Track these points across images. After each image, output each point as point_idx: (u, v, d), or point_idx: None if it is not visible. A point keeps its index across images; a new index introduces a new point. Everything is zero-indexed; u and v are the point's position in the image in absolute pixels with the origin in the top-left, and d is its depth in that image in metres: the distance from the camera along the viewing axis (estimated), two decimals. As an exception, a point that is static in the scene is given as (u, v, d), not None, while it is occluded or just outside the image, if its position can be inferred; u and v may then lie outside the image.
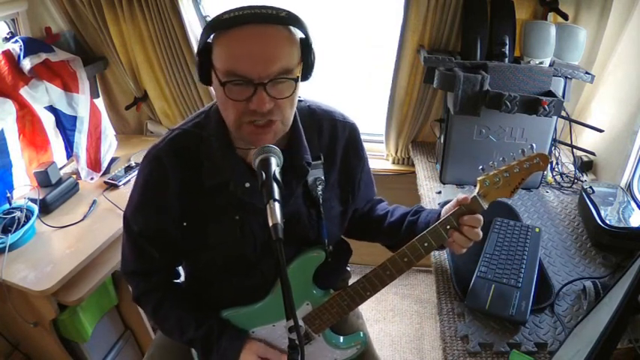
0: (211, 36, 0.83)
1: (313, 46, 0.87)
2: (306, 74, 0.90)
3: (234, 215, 0.98)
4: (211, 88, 0.92)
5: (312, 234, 1.04)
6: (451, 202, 1.01)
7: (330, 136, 1.04)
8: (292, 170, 0.96)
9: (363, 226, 1.21)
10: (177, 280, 1.16)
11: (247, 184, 0.95)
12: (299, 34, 0.85)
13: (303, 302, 1.06)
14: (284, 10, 0.81)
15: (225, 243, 1.00)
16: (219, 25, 0.80)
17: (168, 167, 0.95)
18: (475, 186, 0.99)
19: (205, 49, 0.84)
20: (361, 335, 1.17)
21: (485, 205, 0.97)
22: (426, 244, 0.97)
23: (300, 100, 1.00)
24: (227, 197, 0.96)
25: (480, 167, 1.00)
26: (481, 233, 0.97)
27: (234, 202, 0.96)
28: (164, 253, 1.04)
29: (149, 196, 0.98)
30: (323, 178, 1.02)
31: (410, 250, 0.97)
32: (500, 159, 0.99)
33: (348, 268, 1.31)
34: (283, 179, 0.80)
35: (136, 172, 1.67)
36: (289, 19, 0.81)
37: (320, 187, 1.01)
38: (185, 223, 0.99)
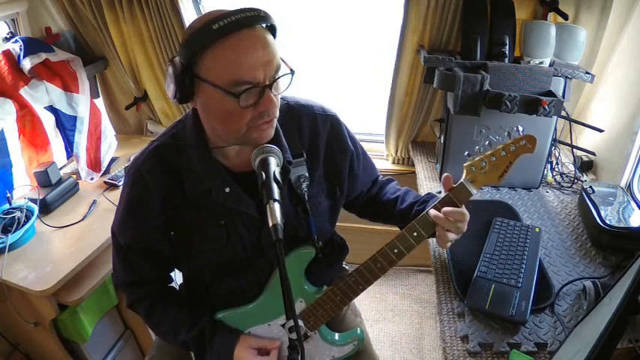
0: (199, 49, 0.79)
1: (276, 32, 0.88)
2: None
3: (220, 220, 0.98)
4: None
5: (301, 231, 1.04)
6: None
7: (311, 131, 1.04)
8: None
9: (374, 208, 1.21)
10: (172, 284, 1.17)
11: (227, 189, 0.95)
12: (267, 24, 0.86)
13: (297, 299, 1.06)
14: (261, 10, 0.82)
15: (213, 249, 1.00)
16: (210, 37, 0.77)
17: (149, 181, 0.96)
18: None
19: (188, 63, 0.81)
20: (357, 332, 1.17)
21: (474, 191, 0.96)
22: (415, 234, 0.97)
23: None
24: (210, 204, 0.96)
25: (466, 153, 0.99)
26: (454, 236, 0.96)
27: (217, 209, 0.96)
28: (153, 264, 1.05)
29: (133, 210, 0.99)
30: (307, 174, 1.02)
31: (400, 241, 0.97)
32: (487, 143, 0.98)
33: (346, 267, 1.31)
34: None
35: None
36: (267, 17, 0.83)
37: (305, 185, 1.01)
38: (172, 233, 0.99)
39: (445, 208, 0.95)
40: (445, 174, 0.98)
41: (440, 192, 1.67)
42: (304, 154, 1.02)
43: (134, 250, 1.02)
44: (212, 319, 1.07)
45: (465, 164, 0.98)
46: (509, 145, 0.96)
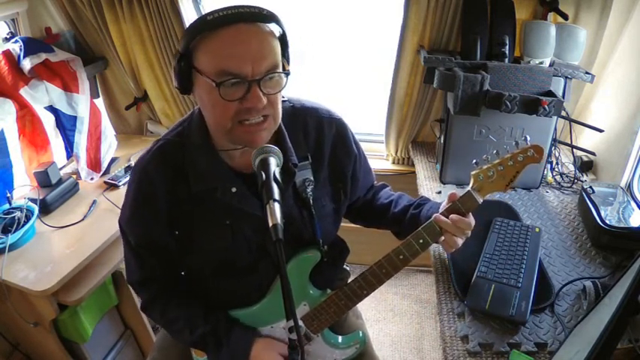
0: (194, 40, 0.82)
1: (289, 41, 0.89)
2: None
3: (225, 220, 0.98)
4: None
5: (306, 234, 1.04)
6: (446, 199, 1.01)
7: (317, 134, 1.04)
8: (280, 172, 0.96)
9: (368, 213, 1.21)
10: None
11: (234, 189, 0.95)
12: (277, 31, 0.86)
13: (301, 303, 1.06)
14: (264, 9, 0.82)
15: (217, 248, 1.00)
16: (204, 27, 0.80)
17: (155, 179, 0.96)
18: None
19: (186, 54, 0.83)
20: (360, 335, 1.17)
21: (480, 200, 0.97)
22: (421, 241, 0.97)
23: (283, 100, 1.00)
24: (215, 203, 0.96)
25: (474, 161, 0.99)
26: (460, 241, 0.97)
27: (223, 208, 0.96)
28: (162, 261, 1.05)
29: (139, 208, 0.99)
30: (312, 178, 1.02)
31: (405, 248, 0.97)
32: (494, 152, 0.98)
33: (347, 268, 1.31)
34: None
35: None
36: (270, 17, 0.83)
37: (309, 188, 1.01)
38: (177, 232, 0.99)
39: (453, 216, 0.96)
40: (452, 192, 0.99)
41: (440, 192, 1.67)
42: (309, 157, 1.02)
43: (142, 246, 1.02)
44: (228, 315, 1.07)
45: (473, 172, 0.97)
46: (517, 155, 0.96)
